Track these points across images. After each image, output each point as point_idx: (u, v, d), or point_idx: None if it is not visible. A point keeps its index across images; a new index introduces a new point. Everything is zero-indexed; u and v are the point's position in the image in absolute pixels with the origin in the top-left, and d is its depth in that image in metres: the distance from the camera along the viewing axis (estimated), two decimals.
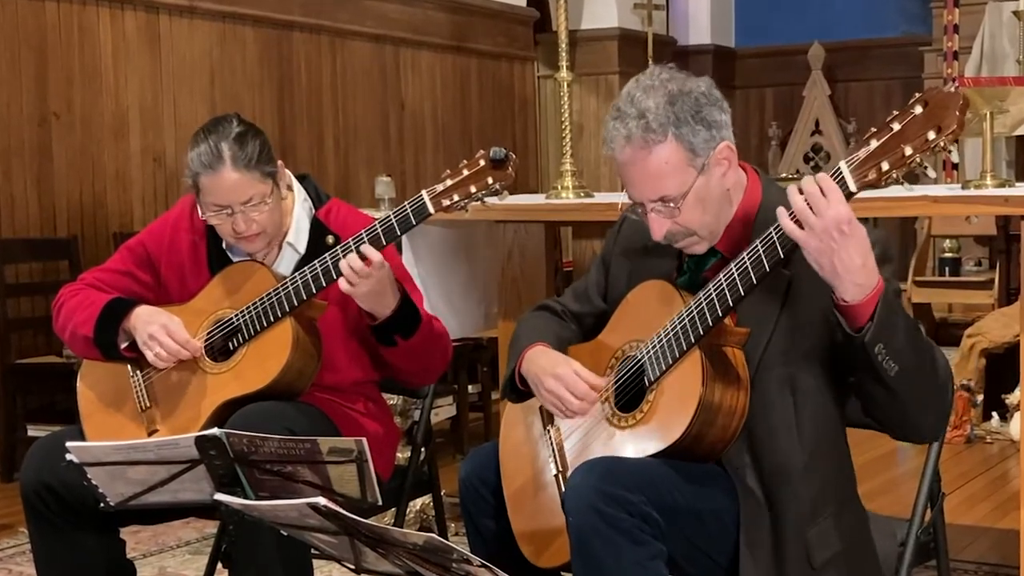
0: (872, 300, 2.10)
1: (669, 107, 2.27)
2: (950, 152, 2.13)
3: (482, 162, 2.65)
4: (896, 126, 2.07)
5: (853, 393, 2.30)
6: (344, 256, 2.68)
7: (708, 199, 2.31)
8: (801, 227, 2.10)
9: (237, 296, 2.83)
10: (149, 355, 2.79)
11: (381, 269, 2.67)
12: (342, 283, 2.68)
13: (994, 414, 5.71)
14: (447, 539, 2.00)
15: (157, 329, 2.78)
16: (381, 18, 7.25)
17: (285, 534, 2.24)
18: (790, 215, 2.11)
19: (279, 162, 2.86)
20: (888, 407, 2.22)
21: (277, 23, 6.67)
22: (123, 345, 2.85)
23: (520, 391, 2.51)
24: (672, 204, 2.29)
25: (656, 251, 2.46)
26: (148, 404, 2.84)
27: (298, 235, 2.90)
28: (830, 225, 2.06)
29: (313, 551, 2.50)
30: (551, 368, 2.41)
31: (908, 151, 2.05)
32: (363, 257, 2.65)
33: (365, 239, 2.68)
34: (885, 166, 2.07)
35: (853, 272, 2.08)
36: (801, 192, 2.10)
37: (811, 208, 2.07)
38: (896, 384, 2.15)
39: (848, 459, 2.42)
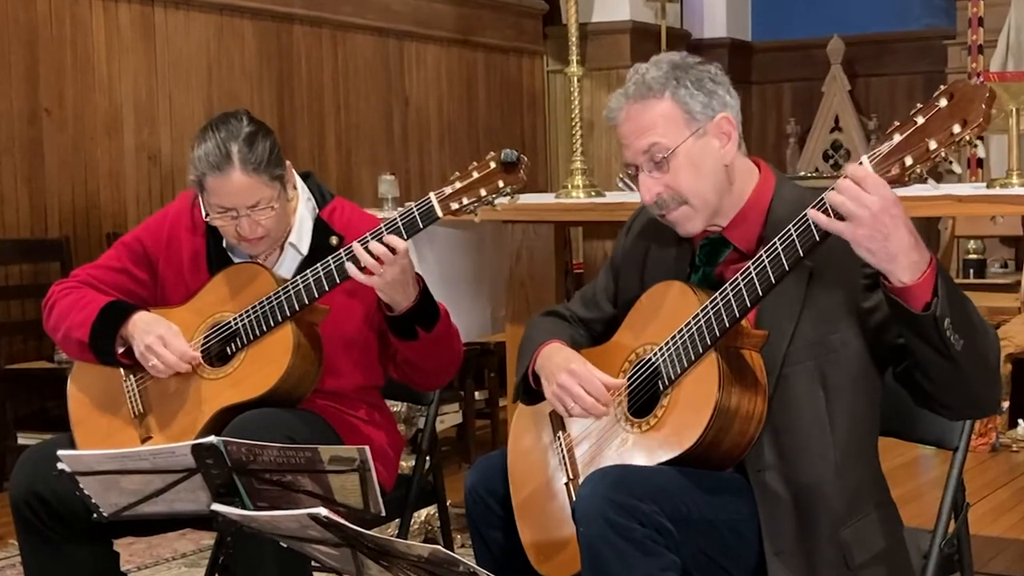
0: (930, 275, 2.07)
1: (671, 72, 2.33)
2: (975, 146, 2.08)
3: (492, 164, 2.62)
4: (920, 120, 2.03)
5: (901, 382, 2.25)
6: (347, 259, 2.64)
7: (702, 166, 2.32)
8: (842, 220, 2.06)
9: (236, 299, 2.78)
10: (147, 366, 2.75)
11: (405, 257, 2.63)
12: (361, 276, 2.62)
13: (1020, 421, 5.62)
14: (453, 551, 1.98)
15: (154, 340, 2.73)
16: (384, 10, 7.24)
17: (285, 546, 2.21)
18: (824, 210, 2.07)
19: (287, 163, 2.81)
20: (955, 385, 2.16)
21: (276, 16, 6.65)
22: (119, 351, 2.79)
23: (534, 392, 2.48)
24: (661, 156, 2.30)
25: (667, 250, 2.45)
26: (142, 410, 2.79)
27: (301, 235, 2.86)
28: (880, 211, 2.02)
29: (314, 563, 2.46)
30: (565, 364, 2.38)
31: (932, 145, 2.02)
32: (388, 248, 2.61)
33: (370, 242, 2.63)
34: (909, 161, 2.03)
35: (908, 251, 2.05)
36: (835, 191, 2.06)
37: (852, 201, 2.03)
38: (963, 358, 2.10)
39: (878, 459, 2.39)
